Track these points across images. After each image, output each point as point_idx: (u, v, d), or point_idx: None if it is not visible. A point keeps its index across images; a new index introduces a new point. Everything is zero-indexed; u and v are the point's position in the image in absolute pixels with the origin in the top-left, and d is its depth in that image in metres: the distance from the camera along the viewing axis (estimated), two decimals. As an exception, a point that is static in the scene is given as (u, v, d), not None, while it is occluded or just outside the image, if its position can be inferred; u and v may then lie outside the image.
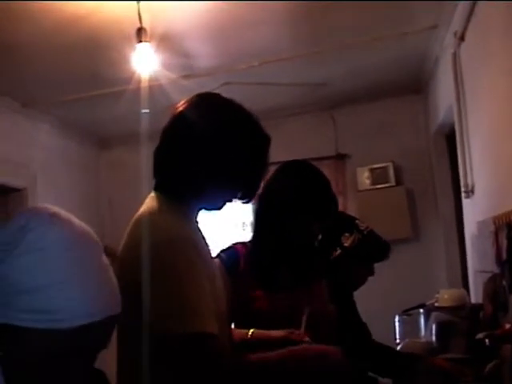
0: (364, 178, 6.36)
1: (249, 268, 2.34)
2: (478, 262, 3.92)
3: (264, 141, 1.95)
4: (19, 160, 5.81)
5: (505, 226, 3.08)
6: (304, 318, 2.08)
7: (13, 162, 5.69)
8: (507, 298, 2.91)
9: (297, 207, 2.29)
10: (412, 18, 4.58)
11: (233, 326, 2.27)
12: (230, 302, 2.16)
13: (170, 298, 1.62)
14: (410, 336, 3.74)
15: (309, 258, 2.42)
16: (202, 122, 1.86)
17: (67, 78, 5.16)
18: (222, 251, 2.40)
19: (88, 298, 1.17)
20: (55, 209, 1.26)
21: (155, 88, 4.74)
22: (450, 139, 5.34)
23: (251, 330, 2.13)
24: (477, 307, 3.39)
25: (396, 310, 4.06)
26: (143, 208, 1.86)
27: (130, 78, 4.38)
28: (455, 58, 4.21)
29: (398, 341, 3.86)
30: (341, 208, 4.40)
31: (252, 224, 2.50)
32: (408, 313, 3.93)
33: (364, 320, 2.67)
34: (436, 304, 3.47)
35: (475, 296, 4.04)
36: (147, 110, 4.78)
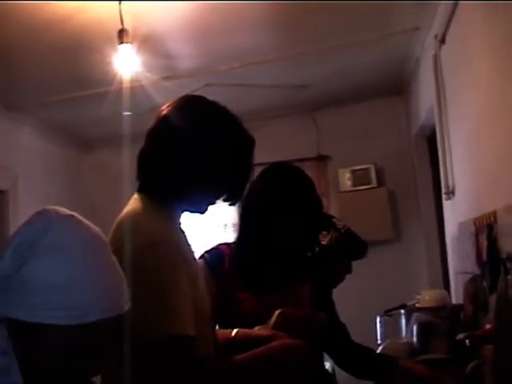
0: (345, 179, 6.38)
1: (233, 269, 2.35)
2: (459, 262, 3.95)
3: (248, 143, 1.95)
4: (0, 162, 5.77)
5: (485, 228, 3.10)
6: (273, 319, 2.08)
7: (-6, 163, 5.66)
8: (487, 299, 2.93)
9: (282, 208, 2.30)
10: (394, 21, 4.60)
11: (217, 326, 2.28)
12: (215, 303, 2.17)
13: (151, 300, 1.62)
14: (391, 337, 3.76)
15: (294, 259, 2.42)
16: (186, 124, 1.86)
17: (49, 80, 5.13)
18: (206, 252, 2.40)
19: (104, 295, 1.23)
20: (68, 211, 1.33)
21: (137, 89, 4.73)
22: (431, 141, 5.37)
23: (235, 330, 2.13)
24: (457, 308, 3.41)
25: (377, 311, 4.07)
26: (126, 210, 1.85)
27: (112, 79, 4.37)
28: (436, 60, 4.24)
29: (379, 341, 3.87)
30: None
31: (237, 225, 2.50)
32: (389, 313, 3.94)
33: (345, 321, 2.67)
34: (417, 305, 3.48)
35: (456, 297, 4.07)
36: (129, 113, 4.77)
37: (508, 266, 2.57)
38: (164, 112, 1.91)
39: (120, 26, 3.88)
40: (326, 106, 6.49)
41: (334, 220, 2.91)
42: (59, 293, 1.19)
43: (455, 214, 4.11)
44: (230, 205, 1.99)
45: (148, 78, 4.56)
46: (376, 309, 4.11)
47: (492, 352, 2.41)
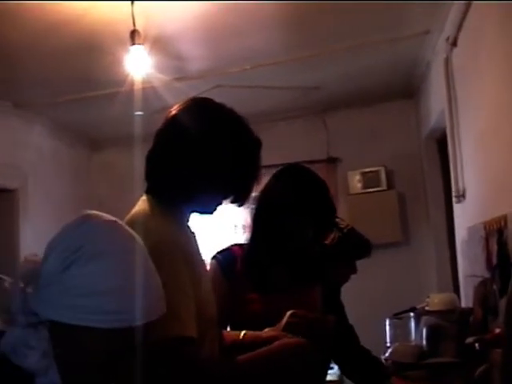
0: (355, 181, 6.38)
1: (245, 270, 2.35)
2: (469, 266, 3.94)
3: (255, 145, 1.96)
4: (11, 161, 5.79)
5: (495, 232, 3.10)
6: (284, 320, 2.08)
7: (4, 162, 5.68)
8: (497, 303, 2.92)
9: (295, 210, 2.30)
10: (404, 23, 4.59)
11: (229, 327, 2.29)
12: (226, 304, 2.17)
13: None
14: (400, 340, 3.75)
15: (305, 261, 2.42)
16: (193, 125, 1.87)
17: (60, 80, 5.15)
18: (219, 253, 2.41)
19: (145, 299, 1.25)
20: (109, 216, 1.36)
21: (148, 90, 4.74)
22: (441, 144, 5.36)
23: (243, 332, 2.13)
24: (467, 311, 3.41)
25: (386, 314, 4.06)
26: (133, 210, 1.87)
27: (122, 80, 4.37)
28: (447, 63, 4.23)
29: (388, 344, 3.87)
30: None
31: (249, 226, 2.50)
32: (398, 316, 3.94)
33: (354, 323, 2.66)
34: (426, 308, 3.48)
35: (465, 300, 4.05)
36: (141, 113, 4.78)
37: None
38: (172, 113, 1.93)
39: (132, 27, 3.89)
40: (337, 108, 6.49)
41: (338, 220, 2.91)
42: (103, 297, 1.20)
43: (465, 218, 4.10)
44: (238, 206, 2.00)
45: (159, 79, 4.56)
46: (385, 311, 4.10)
47: (501, 356, 2.40)
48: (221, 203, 1.95)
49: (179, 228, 1.87)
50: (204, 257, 2.01)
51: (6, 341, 1.27)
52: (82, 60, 4.78)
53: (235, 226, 6.67)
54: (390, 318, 4.01)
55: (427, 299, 3.53)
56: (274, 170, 2.48)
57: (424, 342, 3.31)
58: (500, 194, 3.22)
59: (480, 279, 3.34)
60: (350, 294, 2.80)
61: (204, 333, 1.74)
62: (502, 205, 3.12)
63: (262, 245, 2.38)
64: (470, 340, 2.70)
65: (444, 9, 4.12)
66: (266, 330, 2.09)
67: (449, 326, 3.26)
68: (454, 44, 4.03)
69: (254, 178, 1.98)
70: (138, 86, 4.32)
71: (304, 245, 2.38)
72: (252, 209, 2.46)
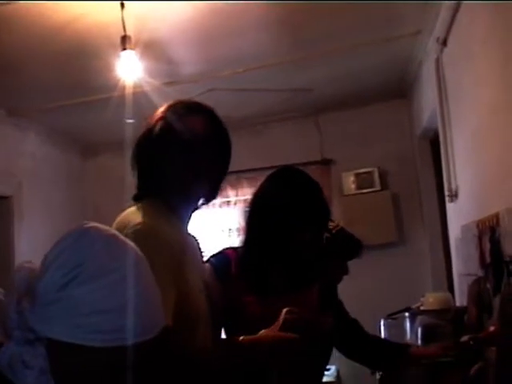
0: (349, 182, 6.40)
1: (240, 273, 2.34)
2: (463, 265, 3.95)
3: (228, 145, 2.09)
4: (5, 167, 5.78)
5: (488, 230, 3.11)
6: (281, 317, 2.08)
7: (-2, 170, 5.68)
8: (491, 301, 2.94)
9: (290, 212, 2.30)
10: (395, 24, 4.61)
11: (224, 330, 2.29)
12: (221, 307, 2.18)
13: None
14: (395, 339, 3.74)
15: (300, 263, 2.42)
16: (172, 128, 1.98)
17: (52, 86, 5.15)
18: (212, 256, 2.41)
19: (146, 317, 1.24)
20: (108, 227, 1.33)
21: (140, 95, 4.74)
22: (434, 144, 5.38)
23: (241, 338, 2.15)
24: (461, 310, 3.42)
25: (381, 314, 4.08)
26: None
27: (114, 85, 4.38)
28: (438, 63, 4.25)
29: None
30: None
31: (243, 228, 2.51)
32: (393, 316, 3.95)
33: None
34: (421, 307, 3.50)
35: (460, 299, 4.07)
36: (132, 120, 4.78)
37: (511, 267, 2.58)
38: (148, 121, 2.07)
39: (122, 32, 3.89)
40: (329, 110, 6.51)
41: None
42: (103, 316, 1.19)
43: (458, 217, 4.11)
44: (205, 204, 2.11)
45: (151, 83, 4.57)
46: (380, 312, 4.12)
47: (496, 354, 2.42)
48: (214, 186, 2.08)
49: (169, 224, 1.92)
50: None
51: (2, 356, 1.25)
52: (74, 66, 4.78)
53: (229, 230, 6.68)
54: (385, 318, 4.03)
55: (422, 298, 3.55)
56: (268, 172, 2.49)
57: (419, 342, 3.32)
58: (492, 193, 3.24)
59: (474, 277, 3.35)
60: (345, 294, 2.80)
61: (192, 329, 1.79)
62: (494, 203, 3.13)
63: (258, 247, 2.38)
64: (464, 338, 2.71)
65: (434, 9, 4.14)
66: (262, 331, 2.09)
67: (444, 324, 3.27)
68: (445, 44, 4.05)
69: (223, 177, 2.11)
70: (129, 90, 4.33)
71: (299, 247, 2.39)
72: (246, 211, 2.46)
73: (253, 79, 5.40)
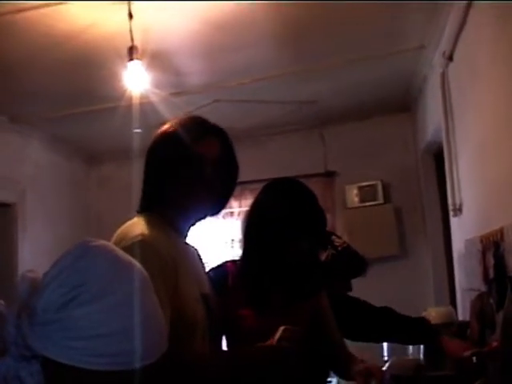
0: (352, 195, 6.40)
1: (237, 286, 2.33)
2: (466, 279, 3.94)
3: (234, 163, 2.12)
4: (8, 175, 5.80)
5: (492, 245, 3.10)
6: (277, 335, 2.08)
7: (2, 177, 5.69)
8: (494, 316, 2.93)
9: (285, 223, 2.29)
10: (401, 38, 4.62)
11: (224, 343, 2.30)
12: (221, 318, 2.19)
13: None
14: (397, 353, 3.75)
15: (298, 275, 2.42)
16: (179, 144, 1.98)
17: (58, 94, 5.17)
18: (211, 270, 2.40)
19: (147, 341, 1.21)
20: (111, 245, 1.31)
21: (146, 105, 4.76)
22: (437, 157, 5.38)
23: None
24: (464, 325, 3.41)
25: (384, 327, 4.06)
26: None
27: (121, 94, 4.39)
28: (443, 77, 4.25)
29: (385, 358, 3.87)
30: (329, 225, 4.41)
31: (240, 241, 2.50)
32: (396, 330, 3.93)
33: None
34: (424, 321, 3.48)
35: (462, 314, 4.06)
36: (139, 130, 4.80)
37: (515, 283, 2.58)
38: (160, 132, 2.06)
39: (129, 43, 3.90)
40: (334, 122, 6.52)
41: (333, 237, 2.91)
42: (103, 340, 1.16)
43: (462, 231, 4.11)
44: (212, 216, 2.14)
45: (157, 94, 4.58)
46: (382, 325, 4.10)
47: (498, 369, 2.41)
48: (219, 203, 2.10)
49: (168, 236, 1.95)
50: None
51: None
52: (80, 75, 4.80)
53: (232, 241, 6.68)
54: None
55: (424, 312, 3.54)
56: (271, 185, 2.50)
57: (421, 356, 3.31)
58: (496, 208, 3.24)
59: (477, 292, 3.35)
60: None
61: (187, 335, 1.82)
62: (498, 218, 3.13)
63: (255, 259, 2.36)
64: (467, 353, 2.70)
65: (440, 23, 4.15)
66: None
67: (446, 339, 3.26)
68: (450, 58, 4.06)
69: (231, 190, 2.14)
70: (135, 100, 4.34)
71: (298, 259, 2.38)
72: (243, 223, 2.46)
73: (257, 91, 5.42)
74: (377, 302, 5.92)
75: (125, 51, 3.93)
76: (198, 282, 2.07)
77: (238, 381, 1.88)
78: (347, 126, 6.50)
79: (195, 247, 2.10)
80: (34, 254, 5.81)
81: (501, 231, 2.98)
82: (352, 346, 2.59)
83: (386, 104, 6.17)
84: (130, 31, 3.84)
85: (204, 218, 2.09)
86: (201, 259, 2.19)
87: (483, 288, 3.25)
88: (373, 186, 6.35)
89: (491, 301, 3.01)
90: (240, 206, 6.58)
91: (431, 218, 5.82)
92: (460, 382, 2.78)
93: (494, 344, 2.63)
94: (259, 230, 2.36)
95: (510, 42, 2.87)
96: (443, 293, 5.55)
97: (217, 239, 6.59)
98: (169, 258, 1.86)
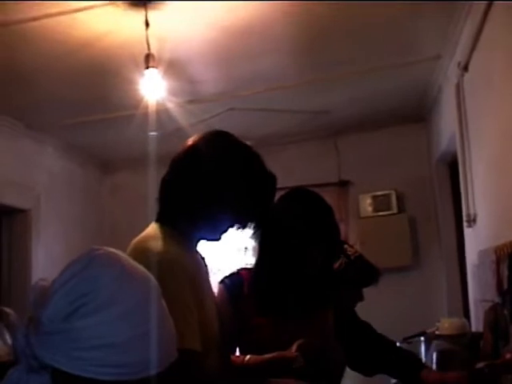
0: (366, 204, 6.39)
1: (252, 294, 2.33)
2: (479, 291, 3.93)
3: (268, 180, 2.01)
4: (24, 182, 5.84)
5: (506, 256, 3.09)
6: (294, 347, 2.07)
7: (17, 183, 5.73)
8: (508, 328, 2.92)
9: (301, 234, 2.30)
10: (416, 48, 4.62)
11: (238, 351, 2.29)
12: (232, 329, 2.18)
13: None
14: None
15: (313, 285, 2.42)
16: (210, 159, 1.93)
17: (73, 102, 5.20)
18: (226, 277, 2.40)
19: (155, 350, 1.19)
20: (119, 253, 1.29)
21: (161, 113, 4.77)
22: (452, 168, 5.37)
23: (248, 356, 2.14)
24: (477, 336, 3.40)
25: (396, 338, 4.04)
26: (141, 235, 1.93)
27: (136, 102, 4.41)
28: (458, 88, 4.25)
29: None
30: (342, 235, 4.40)
31: (255, 250, 2.50)
32: (409, 340, 3.92)
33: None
34: (437, 332, 3.47)
35: (476, 325, 4.04)
36: (155, 133, 4.81)
37: (529, 295, 2.57)
38: (190, 143, 1.98)
39: (144, 52, 3.92)
40: (348, 132, 6.52)
41: (346, 246, 2.90)
42: (111, 349, 1.15)
43: (476, 242, 4.09)
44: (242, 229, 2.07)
45: (173, 101, 4.60)
46: (395, 335, 4.08)
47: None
48: (226, 231, 2.02)
49: (185, 250, 1.91)
50: (213, 279, 2.05)
51: (10, 378, 1.21)
52: (96, 82, 4.83)
53: (245, 248, 6.67)
54: (401, 342, 4.00)
55: (437, 323, 3.52)
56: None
57: (434, 367, 3.29)
58: (511, 219, 3.22)
59: (490, 304, 3.33)
60: (360, 316, 2.80)
61: (206, 351, 1.78)
62: (512, 229, 3.12)
63: (270, 269, 2.37)
64: (480, 365, 2.68)
65: (455, 34, 4.15)
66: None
67: (459, 350, 3.25)
68: (466, 69, 4.05)
69: (263, 210, 2.04)
70: (151, 108, 4.35)
71: (313, 269, 2.38)
72: (258, 232, 2.46)
73: (272, 100, 5.43)
74: (391, 311, 5.93)
75: (140, 59, 3.94)
76: (212, 293, 2.08)
77: None
78: (361, 136, 6.50)
79: (202, 255, 2.10)
80: (47, 261, 5.84)
81: (515, 242, 2.97)
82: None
83: (401, 114, 6.17)
84: (147, 39, 3.85)
85: (219, 239, 2.05)
86: (206, 267, 2.18)
87: (497, 299, 3.24)
88: (387, 196, 6.33)
89: (505, 312, 3.00)
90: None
91: (445, 228, 5.80)
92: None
93: (508, 356, 2.61)
94: (274, 239, 2.36)
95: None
96: (456, 304, 5.52)
97: (229, 247, 6.59)
98: (193, 273, 1.86)
